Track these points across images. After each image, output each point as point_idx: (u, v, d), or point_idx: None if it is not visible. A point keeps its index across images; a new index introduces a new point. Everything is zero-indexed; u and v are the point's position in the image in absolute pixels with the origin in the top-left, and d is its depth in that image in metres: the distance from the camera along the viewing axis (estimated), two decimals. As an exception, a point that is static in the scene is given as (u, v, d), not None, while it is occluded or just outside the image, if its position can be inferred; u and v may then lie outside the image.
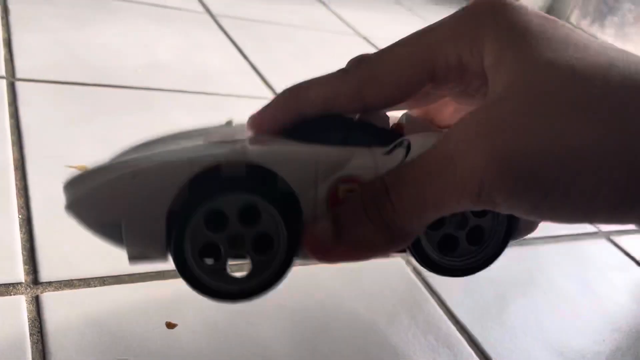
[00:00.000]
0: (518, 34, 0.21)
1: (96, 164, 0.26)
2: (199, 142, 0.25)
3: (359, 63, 0.24)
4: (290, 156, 0.23)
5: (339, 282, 0.55)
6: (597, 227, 0.79)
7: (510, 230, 0.26)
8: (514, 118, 0.19)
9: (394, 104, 0.25)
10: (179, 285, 0.50)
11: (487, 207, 0.21)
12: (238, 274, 0.26)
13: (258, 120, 0.26)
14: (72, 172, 0.27)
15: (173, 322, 0.45)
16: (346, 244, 0.23)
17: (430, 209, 0.22)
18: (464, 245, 0.26)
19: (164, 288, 0.48)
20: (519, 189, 0.20)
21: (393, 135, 0.25)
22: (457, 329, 0.54)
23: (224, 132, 0.26)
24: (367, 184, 0.23)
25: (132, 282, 0.48)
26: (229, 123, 0.27)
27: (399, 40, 0.24)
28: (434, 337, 0.52)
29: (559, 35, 0.21)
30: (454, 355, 0.51)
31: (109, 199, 0.24)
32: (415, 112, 0.29)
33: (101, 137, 0.62)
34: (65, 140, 0.60)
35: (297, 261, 0.26)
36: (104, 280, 0.47)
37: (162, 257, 0.25)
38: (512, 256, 0.68)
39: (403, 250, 0.26)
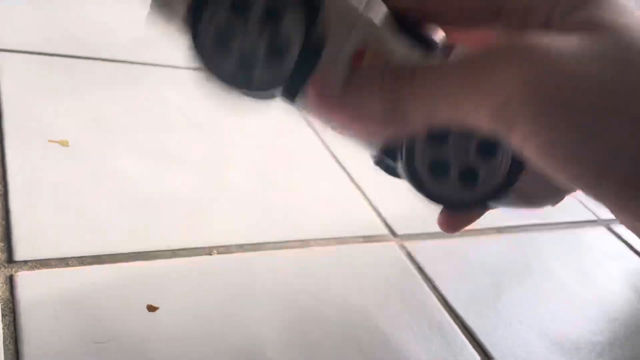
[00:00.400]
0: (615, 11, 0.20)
1: None
2: None
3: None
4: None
5: (331, 266, 0.53)
6: (596, 215, 0.77)
7: (507, 185, 0.25)
8: (570, 56, 0.19)
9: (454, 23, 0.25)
10: (163, 265, 0.48)
11: (501, 128, 0.20)
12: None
13: None
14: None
15: (155, 304, 0.43)
16: (347, 100, 0.23)
17: (444, 105, 0.21)
18: (454, 177, 0.25)
19: (146, 269, 0.46)
20: (543, 115, 0.19)
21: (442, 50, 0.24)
22: (451, 317, 0.52)
23: None
24: (396, 61, 0.23)
25: (113, 262, 0.45)
26: None
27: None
28: (427, 325, 0.50)
29: None
30: (447, 344, 0.49)
31: None
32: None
33: (86, 112, 0.60)
34: (48, 114, 0.58)
35: (295, 106, 0.25)
36: (82, 260, 0.45)
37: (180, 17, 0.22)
38: (509, 243, 0.66)
39: (392, 160, 0.25)
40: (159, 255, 0.48)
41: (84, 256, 0.45)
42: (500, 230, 0.67)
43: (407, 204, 0.64)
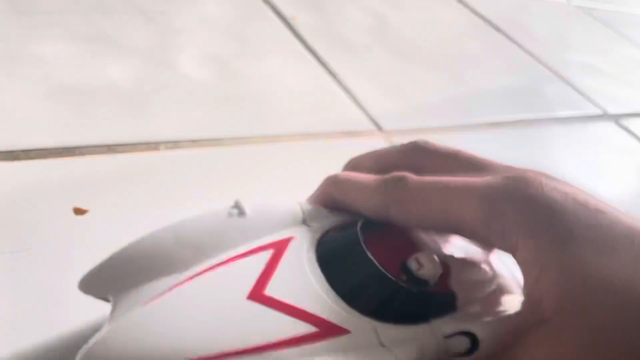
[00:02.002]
0: (557, 230, 0.19)
1: None
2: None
3: (397, 182, 0.23)
4: None
5: (304, 163, 0.44)
6: (604, 110, 0.69)
7: None
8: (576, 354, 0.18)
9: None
10: (95, 162, 0.40)
11: None
12: None
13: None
14: None
15: (82, 207, 0.34)
16: None
17: None
18: None
19: (74, 166, 0.37)
20: None
21: (444, 295, 0.22)
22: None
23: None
24: None
25: (31, 158, 0.37)
26: (237, 205, 0.24)
27: (438, 181, 0.23)
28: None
29: (600, 227, 0.20)
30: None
31: None
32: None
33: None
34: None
35: None
36: (-7, 158, 0.36)
37: None
38: (512, 138, 0.58)
39: None
40: (91, 151, 0.39)
41: (-5, 153, 0.36)
42: (500, 124, 0.59)
43: (393, 99, 0.55)
